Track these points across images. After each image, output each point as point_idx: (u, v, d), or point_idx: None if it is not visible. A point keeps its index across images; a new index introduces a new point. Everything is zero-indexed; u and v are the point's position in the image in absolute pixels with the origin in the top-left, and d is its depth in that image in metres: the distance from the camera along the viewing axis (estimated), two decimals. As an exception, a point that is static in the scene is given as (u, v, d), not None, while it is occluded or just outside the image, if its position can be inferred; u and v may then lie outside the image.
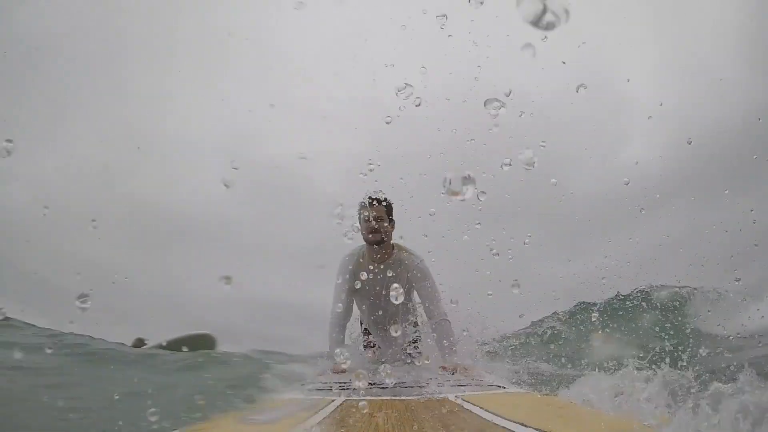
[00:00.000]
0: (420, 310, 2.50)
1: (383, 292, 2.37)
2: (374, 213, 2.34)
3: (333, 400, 1.21)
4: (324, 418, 0.97)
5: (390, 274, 2.36)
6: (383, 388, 1.49)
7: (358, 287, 2.37)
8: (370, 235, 2.36)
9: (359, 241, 2.45)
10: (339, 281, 2.39)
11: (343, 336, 2.42)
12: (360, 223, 2.39)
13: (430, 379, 1.81)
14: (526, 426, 0.84)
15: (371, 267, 2.38)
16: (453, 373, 2.07)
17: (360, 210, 2.37)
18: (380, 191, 2.36)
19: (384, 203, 2.38)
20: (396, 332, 2.35)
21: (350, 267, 2.39)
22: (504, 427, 0.85)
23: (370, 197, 2.34)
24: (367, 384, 1.50)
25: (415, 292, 2.46)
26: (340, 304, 2.37)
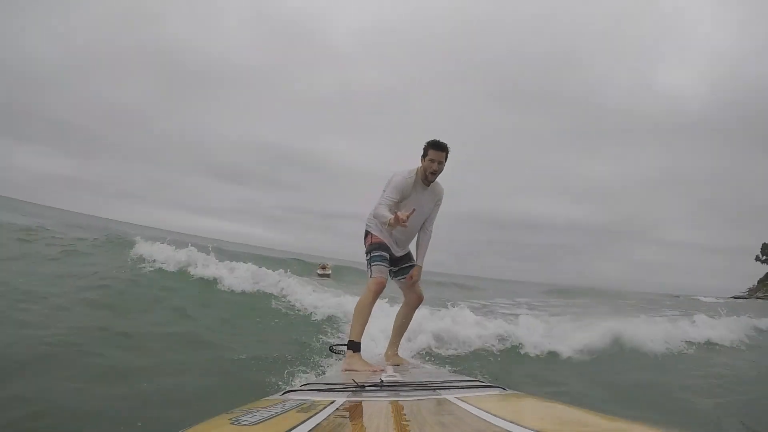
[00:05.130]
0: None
1: (420, 212, 3.19)
2: (439, 157, 3.11)
3: (333, 401, 1.20)
4: (324, 419, 0.97)
5: (429, 199, 3.27)
6: (383, 388, 1.49)
7: (407, 205, 3.10)
8: (430, 175, 3.14)
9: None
10: (398, 190, 3.12)
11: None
12: (425, 157, 3.13)
13: (431, 381, 1.81)
14: (525, 428, 0.84)
15: (418, 188, 3.20)
16: (412, 278, 3.36)
17: (429, 149, 3.11)
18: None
19: (446, 150, 3.12)
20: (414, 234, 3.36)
21: (407, 187, 3.15)
22: (503, 428, 0.85)
23: (437, 141, 3.10)
24: (367, 384, 1.50)
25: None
26: (394, 199, 3.11)
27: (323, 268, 18.35)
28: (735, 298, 43.85)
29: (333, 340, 4.60)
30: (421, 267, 3.44)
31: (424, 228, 3.43)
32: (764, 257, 54.94)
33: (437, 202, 3.38)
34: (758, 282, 54.28)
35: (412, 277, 3.42)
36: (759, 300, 39.61)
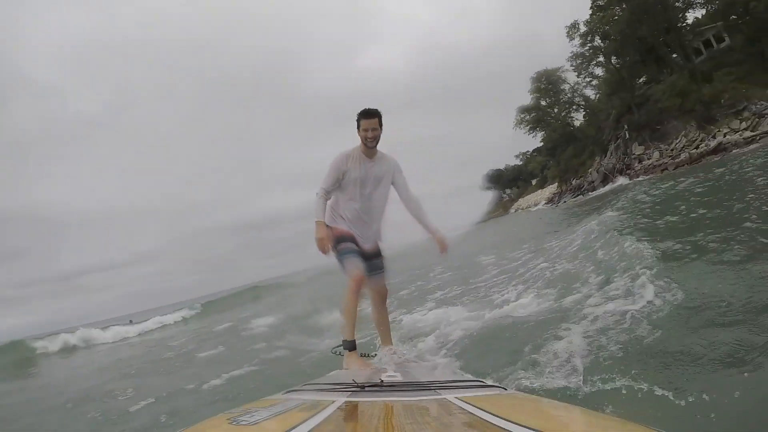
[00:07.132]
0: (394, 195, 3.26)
1: (374, 183, 3.11)
2: (372, 125, 3.01)
3: (333, 401, 1.20)
4: (323, 420, 0.96)
5: (378, 169, 3.11)
6: (383, 388, 1.49)
7: (352, 176, 3.04)
8: (369, 141, 3.03)
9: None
10: (334, 169, 3.04)
11: (325, 206, 3.12)
12: (359, 130, 3.04)
13: (431, 381, 1.81)
14: (526, 428, 0.83)
15: (363, 161, 3.08)
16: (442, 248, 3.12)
17: (359, 119, 3.02)
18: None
19: (377, 116, 3.04)
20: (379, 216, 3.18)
21: (345, 162, 3.05)
22: (504, 429, 0.85)
23: (366, 109, 3.03)
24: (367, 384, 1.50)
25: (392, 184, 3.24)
26: (331, 184, 3.06)
27: None
28: (477, 224, 52.39)
29: None
30: (441, 233, 3.17)
31: (405, 199, 3.22)
32: (487, 186, 72.34)
33: (396, 170, 3.20)
34: (488, 205, 69.12)
35: (444, 247, 3.14)
36: (492, 218, 54.09)
